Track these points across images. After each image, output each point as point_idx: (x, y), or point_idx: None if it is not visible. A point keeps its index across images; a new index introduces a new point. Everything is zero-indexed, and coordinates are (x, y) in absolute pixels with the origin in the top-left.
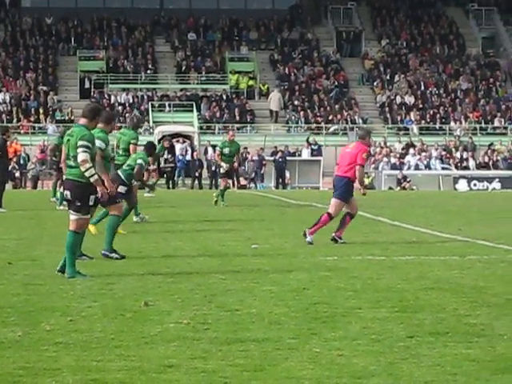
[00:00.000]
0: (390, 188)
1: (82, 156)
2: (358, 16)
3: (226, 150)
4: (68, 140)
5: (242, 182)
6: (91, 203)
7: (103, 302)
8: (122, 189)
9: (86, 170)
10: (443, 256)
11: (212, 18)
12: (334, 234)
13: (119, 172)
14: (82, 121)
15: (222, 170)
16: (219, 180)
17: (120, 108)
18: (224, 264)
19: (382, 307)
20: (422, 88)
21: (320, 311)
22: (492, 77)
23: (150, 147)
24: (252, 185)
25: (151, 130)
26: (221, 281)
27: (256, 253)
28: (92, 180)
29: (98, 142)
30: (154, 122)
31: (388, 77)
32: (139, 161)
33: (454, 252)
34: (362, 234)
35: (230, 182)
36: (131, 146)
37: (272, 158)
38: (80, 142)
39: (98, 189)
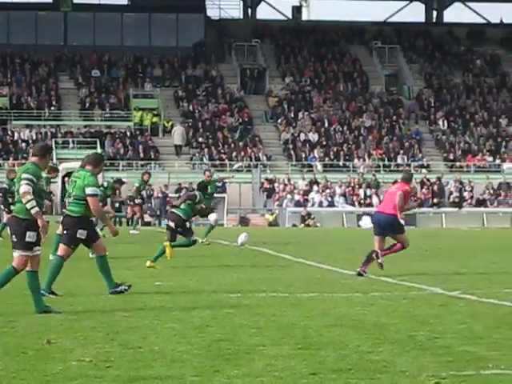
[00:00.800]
0: (294, 225)
1: (23, 188)
2: (262, 53)
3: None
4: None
5: (147, 218)
6: (28, 239)
7: (5, 339)
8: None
9: (27, 201)
10: (346, 293)
11: (116, 54)
12: (359, 269)
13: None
14: (33, 159)
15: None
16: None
17: (23, 145)
18: (127, 301)
19: (285, 344)
20: (326, 125)
21: (223, 348)
22: (395, 114)
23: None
24: (157, 221)
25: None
26: (124, 318)
27: (159, 290)
28: (32, 212)
29: (89, 189)
30: (57, 159)
31: (292, 114)
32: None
33: (357, 289)
34: (266, 271)
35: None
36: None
37: (176, 195)
38: (23, 175)
39: (38, 222)
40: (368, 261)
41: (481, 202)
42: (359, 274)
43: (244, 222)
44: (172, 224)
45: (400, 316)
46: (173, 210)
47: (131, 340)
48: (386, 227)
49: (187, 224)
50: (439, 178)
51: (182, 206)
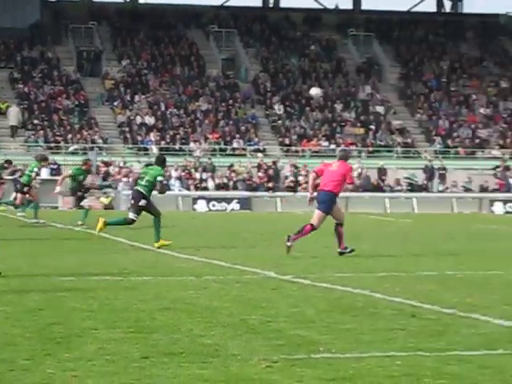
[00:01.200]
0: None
1: None
2: (98, 36)
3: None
4: None
5: None
6: None
7: None
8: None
9: None
10: (180, 276)
11: None
12: (339, 250)
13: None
14: None
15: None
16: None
17: None
18: None
19: (118, 328)
20: (163, 108)
21: (55, 332)
22: (231, 98)
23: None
24: None
25: None
26: None
27: None
28: None
29: None
30: None
31: (128, 97)
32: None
33: (191, 272)
34: (101, 255)
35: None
36: None
37: (12, 177)
38: None
39: None
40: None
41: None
42: (341, 253)
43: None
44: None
45: (232, 300)
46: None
47: None
48: (323, 204)
49: None
50: (275, 163)
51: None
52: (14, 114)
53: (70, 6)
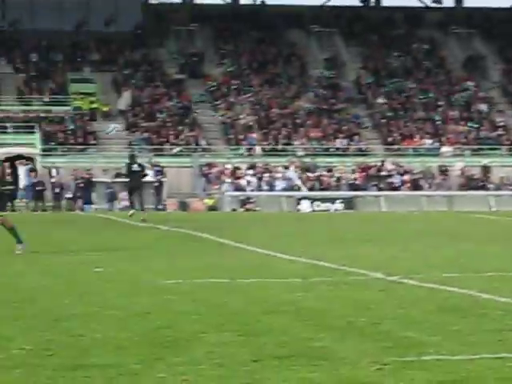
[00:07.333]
0: (234, 209)
1: None
2: (200, 37)
3: None
4: None
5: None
6: None
7: None
8: None
9: None
10: (286, 278)
11: (54, 38)
12: None
13: None
14: None
15: None
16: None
17: None
18: (68, 288)
19: (226, 331)
20: (266, 108)
21: (164, 335)
22: (334, 97)
23: None
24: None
25: None
26: (65, 305)
27: (100, 277)
28: None
29: None
30: None
31: (231, 98)
32: None
33: (297, 274)
34: (206, 257)
35: None
36: None
37: (117, 180)
38: None
39: None
40: None
41: (417, 186)
42: None
43: (183, 206)
44: None
45: (340, 301)
46: None
47: (73, 327)
48: None
49: None
50: (383, 162)
51: None
52: (125, 98)
53: (171, 8)
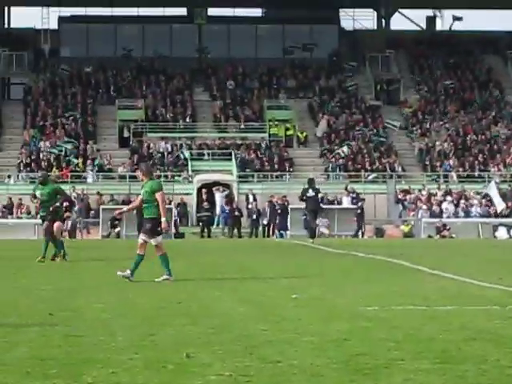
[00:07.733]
0: (430, 236)
1: None
2: (395, 64)
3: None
4: None
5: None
6: None
7: (144, 353)
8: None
9: None
10: (484, 306)
11: (250, 66)
12: None
13: None
14: None
15: None
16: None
17: (159, 156)
18: (264, 314)
19: (424, 358)
20: (461, 135)
21: (361, 362)
22: None
23: None
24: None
25: (190, 179)
26: (261, 332)
27: (296, 303)
28: None
29: None
30: (192, 171)
31: (427, 124)
32: None
33: (495, 301)
34: (402, 283)
35: None
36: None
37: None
38: None
39: None
40: None
41: None
42: None
43: (379, 233)
44: None
45: None
46: None
47: (270, 354)
48: None
49: None
50: None
51: None
52: (322, 126)
53: (367, 35)
